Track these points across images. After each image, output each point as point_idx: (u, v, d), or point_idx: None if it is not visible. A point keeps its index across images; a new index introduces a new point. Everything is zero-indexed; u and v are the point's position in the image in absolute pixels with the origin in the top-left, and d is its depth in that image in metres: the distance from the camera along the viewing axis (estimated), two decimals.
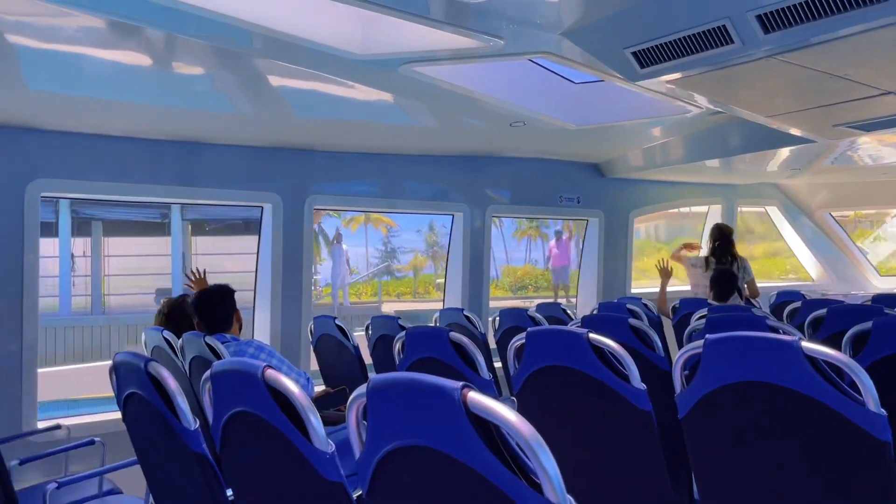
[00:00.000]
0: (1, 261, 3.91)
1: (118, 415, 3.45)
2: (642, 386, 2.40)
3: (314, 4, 3.18)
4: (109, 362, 2.28)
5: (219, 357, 3.05)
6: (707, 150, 5.64)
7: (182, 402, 1.98)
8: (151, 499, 2.65)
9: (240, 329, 3.59)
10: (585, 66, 3.70)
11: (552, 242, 22.60)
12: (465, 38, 3.34)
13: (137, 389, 2.12)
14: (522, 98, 4.47)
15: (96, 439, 3.35)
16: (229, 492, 2.00)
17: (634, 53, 3.32)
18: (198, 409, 2.34)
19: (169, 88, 3.80)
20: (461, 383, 1.27)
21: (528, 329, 2.59)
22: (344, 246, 19.25)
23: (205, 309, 3.45)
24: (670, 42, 3.15)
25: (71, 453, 3.47)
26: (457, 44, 3.40)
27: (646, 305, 5.08)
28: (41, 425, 3.99)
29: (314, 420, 1.59)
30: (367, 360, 4.19)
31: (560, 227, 26.75)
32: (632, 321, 3.14)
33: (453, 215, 5.99)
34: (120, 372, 2.19)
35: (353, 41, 3.40)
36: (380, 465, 1.42)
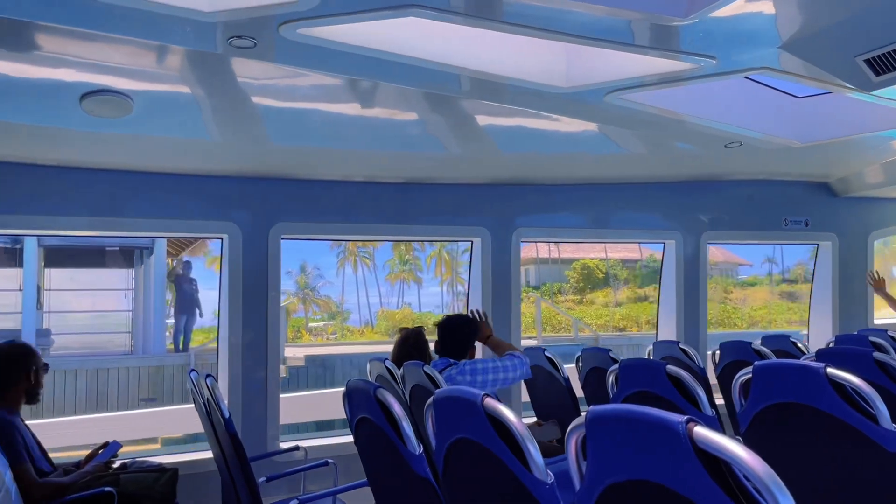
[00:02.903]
0: (251, 299, 4.40)
1: (349, 438, 3.71)
2: (893, 427, 2.14)
3: (519, 43, 3.28)
4: None
5: (437, 386, 3.18)
6: None
7: (407, 427, 2.09)
8: None
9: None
10: (810, 79, 3.43)
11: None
12: (674, 61, 3.25)
13: (367, 414, 2.28)
14: (738, 117, 4.23)
15: (330, 460, 3.62)
16: None
17: (868, 61, 3.03)
18: (423, 434, 2.46)
19: (387, 134, 4.10)
20: (685, 417, 1.22)
21: (756, 363, 2.42)
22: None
23: (450, 332, 3.65)
24: None
25: (307, 473, 3.79)
26: (665, 67, 3.32)
27: (892, 338, 4.51)
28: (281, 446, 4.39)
29: (532, 449, 1.61)
30: (578, 392, 4.14)
31: None
32: (877, 355, 2.81)
33: (664, 244, 5.78)
34: (352, 397, 2.37)
35: (558, 75, 3.44)
36: (601, 499, 1.39)
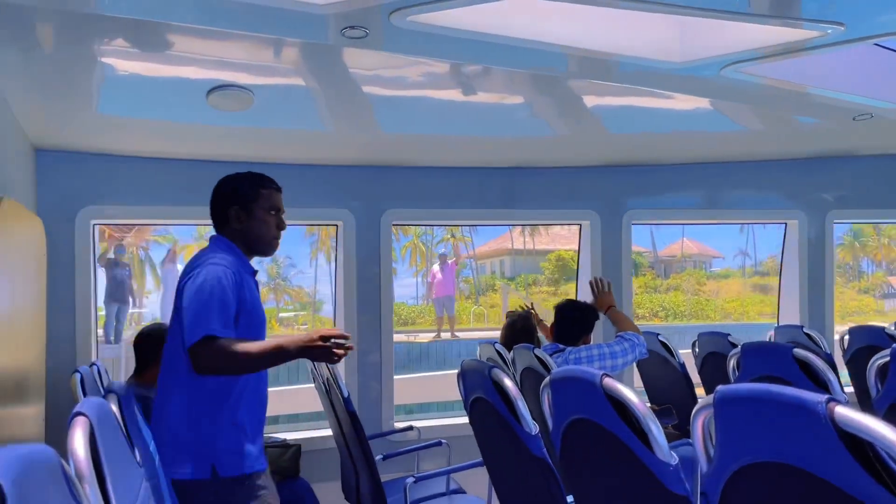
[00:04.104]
0: (365, 284, 4.53)
1: (461, 419, 3.76)
2: None
3: (630, 19, 3.19)
4: None
5: (548, 369, 3.18)
6: None
7: (522, 407, 2.11)
8: (494, 500, 2.85)
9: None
10: None
11: (435, 269, 18.76)
12: (797, 30, 3.07)
13: (482, 394, 2.31)
14: (869, 88, 3.96)
15: (443, 441, 3.70)
16: (570, 498, 2.07)
17: None
18: (535, 416, 2.46)
19: (493, 119, 4.10)
20: (825, 396, 1.16)
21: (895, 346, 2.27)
22: (179, 266, 15.27)
23: (566, 317, 3.63)
24: None
25: (421, 452, 3.88)
26: (787, 37, 3.14)
27: None
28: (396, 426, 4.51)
29: (655, 430, 1.58)
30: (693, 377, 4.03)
31: (448, 250, 22.13)
32: None
33: (786, 223, 5.49)
34: (467, 377, 2.40)
35: (671, 50, 3.33)
36: (731, 482, 1.36)
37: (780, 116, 4.43)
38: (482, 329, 20.85)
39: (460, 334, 19.21)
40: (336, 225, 4.57)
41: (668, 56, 3.34)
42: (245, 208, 2.47)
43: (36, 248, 3.28)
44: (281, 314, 27.11)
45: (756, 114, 4.37)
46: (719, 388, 1.36)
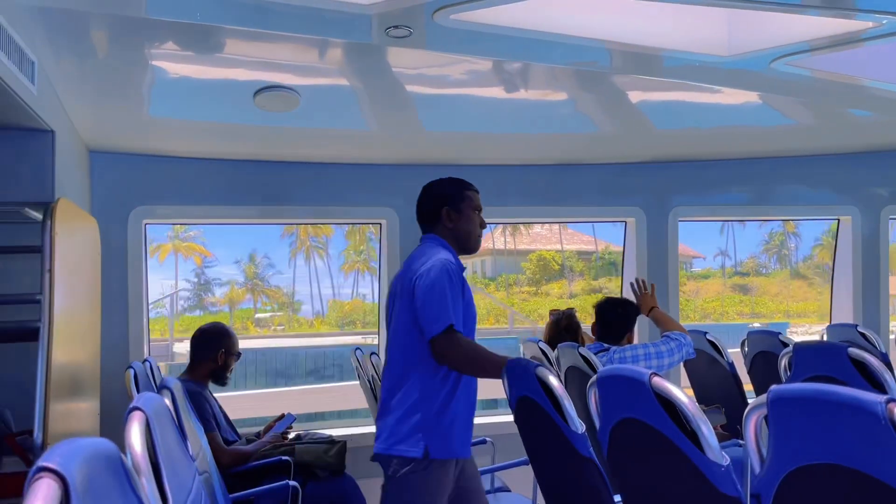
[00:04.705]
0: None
1: (506, 418, 3.75)
2: None
3: (675, 12, 3.15)
4: None
5: (593, 368, 3.15)
6: None
7: (569, 406, 2.09)
8: (539, 499, 2.83)
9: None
10: None
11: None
12: (849, 20, 2.99)
13: (528, 392, 2.30)
14: None
15: (487, 439, 3.69)
16: (617, 497, 2.05)
17: None
18: (581, 415, 2.45)
19: (537, 116, 4.08)
20: (885, 396, 1.13)
21: None
22: None
23: (606, 315, 3.59)
24: None
25: None
26: (838, 28, 3.06)
27: None
28: None
29: (706, 430, 1.56)
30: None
31: None
32: None
33: (839, 220, 5.35)
34: (512, 375, 2.40)
35: (719, 44, 3.27)
36: (785, 483, 1.33)
37: (833, 110, 4.31)
38: None
39: None
40: (380, 223, 4.60)
41: (715, 50, 3.28)
42: (456, 208, 2.70)
43: (91, 248, 3.37)
44: (258, 315, 26.94)
45: (807, 107, 4.27)
46: (773, 387, 1.34)
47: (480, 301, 21.00)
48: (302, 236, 28.45)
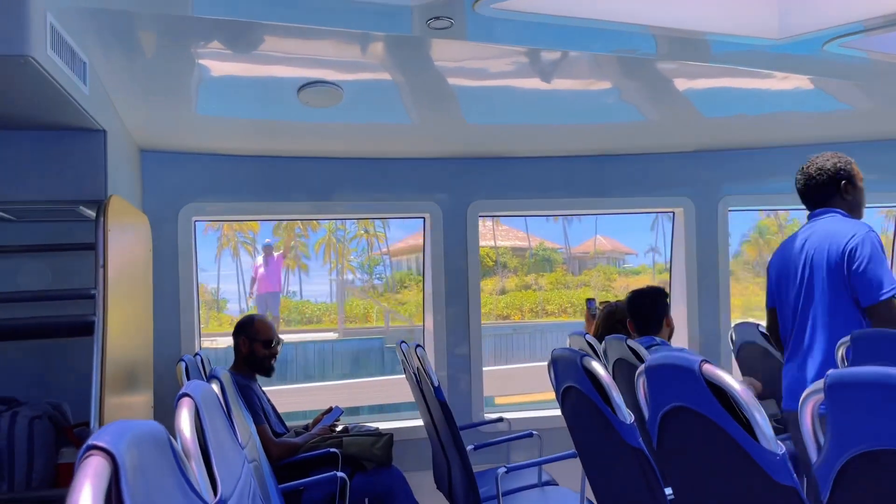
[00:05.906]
0: (452, 276, 4.56)
1: (552, 412, 3.72)
2: None
3: None
4: None
5: (641, 360, 3.10)
6: None
7: (616, 396, 2.06)
8: (587, 491, 2.80)
9: (670, 335, 3.61)
10: None
11: (258, 261, 17.06)
12: None
13: (574, 383, 2.27)
14: None
15: (534, 432, 3.67)
16: (668, 490, 2.01)
17: None
18: (631, 405, 2.41)
19: (580, 106, 4.03)
20: None
21: None
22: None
23: (636, 309, 3.55)
24: None
25: (512, 443, 3.87)
26: (894, 6, 2.94)
27: None
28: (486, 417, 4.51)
29: (760, 418, 1.51)
30: None
31: (271, 242, 20.13)
32: None
33: None
34: (558, 366, 2.37)
35: (769, 27, 3.17)
36: (844, 470, 1.28)
37: (892, 93, 4.15)
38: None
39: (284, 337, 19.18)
40: (423, 217, 4.60)
41: (765, 33, 3.19)
42: (851, 182, 2.95)
43: (143, 244, 3.45)
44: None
45: (864, 91, 4.11)
46: (831, 371, 1.29)
47: (412, 298, 21.11)
48: (227, 232, 27.90)
